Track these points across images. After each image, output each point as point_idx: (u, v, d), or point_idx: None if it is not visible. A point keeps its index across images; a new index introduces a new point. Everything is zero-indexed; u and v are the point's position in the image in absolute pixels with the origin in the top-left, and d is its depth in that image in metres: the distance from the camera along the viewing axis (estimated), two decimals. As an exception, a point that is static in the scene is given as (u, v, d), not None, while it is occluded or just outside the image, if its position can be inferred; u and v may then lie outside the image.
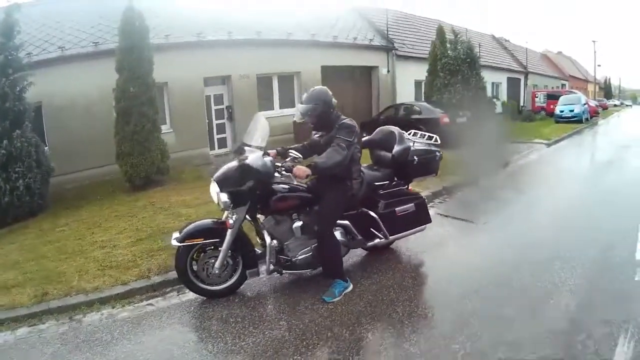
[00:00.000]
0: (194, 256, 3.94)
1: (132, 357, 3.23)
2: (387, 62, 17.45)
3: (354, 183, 4.17)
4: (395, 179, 4.68)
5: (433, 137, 5.14)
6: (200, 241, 3.85)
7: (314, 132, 4.34)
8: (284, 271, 4.11)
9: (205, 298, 4.05)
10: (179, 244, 3.78)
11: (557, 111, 22.80)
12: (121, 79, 8.40)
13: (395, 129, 4.92)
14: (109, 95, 8.94)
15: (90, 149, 9.39)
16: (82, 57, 9.40)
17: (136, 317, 3.87)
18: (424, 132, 5.24)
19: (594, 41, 49.60)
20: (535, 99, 27.99)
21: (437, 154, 4.96)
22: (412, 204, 4.60)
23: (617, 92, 62.34)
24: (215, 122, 12.49)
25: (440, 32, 16.62)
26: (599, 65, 51.21)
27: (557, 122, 21.90)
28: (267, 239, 3.91)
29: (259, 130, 4.04)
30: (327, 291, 3.97)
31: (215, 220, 4.05)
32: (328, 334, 3.42)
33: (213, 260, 3.93)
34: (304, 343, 3.29)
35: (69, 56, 9.43)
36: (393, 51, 17.58)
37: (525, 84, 29.70)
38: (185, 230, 3.88)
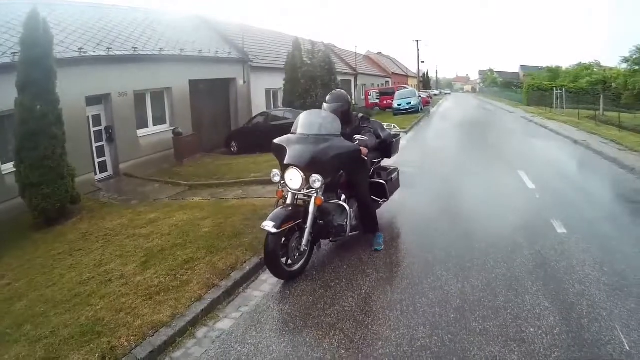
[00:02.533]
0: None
1: (304, 345, 3.41)
2: (243, 73, 18.45)
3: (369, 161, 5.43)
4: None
5: (392, 125, 6.78)
6: (292, 224, 4.32)
7: None
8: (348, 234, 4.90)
9: (283, 281, 4.49)
10: (277, 230, 4.14)
11: (395, 105, 26.91)
12: (27, 97, 7.25)
13: (377, 122, 6.31)
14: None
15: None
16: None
17: (247, 320, 3.88)
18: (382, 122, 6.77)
19: (417, 40, 58.59)
20: (369, 96, 32.36)
21: (400, 136, 6.59)
22: (396, 173, 6.26)
23: (436, 82, 75.01)
24: (94, 144, 11.35)
25: (297, 43, 18.36)
26: (422, 62, 61.18)
27: (396, 114, 25.73)
28: (347, 207, 4.73)
29: (326, 120, 4.77)
30: (375, 243, 5.19)
31: (285, 206, 4.51)
32: (405, 263, 4.83)
33: (295, 243, 4.47)
34: (400, 271, 4.59)
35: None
36: (248, 63, 18.69)
37: (356, 85, 34.14)
38: (274, 217, 4.23)
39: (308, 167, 4.43)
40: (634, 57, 22.93)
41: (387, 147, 6.04)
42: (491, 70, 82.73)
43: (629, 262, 4.46)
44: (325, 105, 5.19)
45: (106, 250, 5.99)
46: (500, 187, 8.04)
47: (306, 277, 4.59)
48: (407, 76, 63.11)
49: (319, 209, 4.81)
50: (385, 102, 31.01)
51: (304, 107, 16.97)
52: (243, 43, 18.26)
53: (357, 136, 4.86)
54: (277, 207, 4.72)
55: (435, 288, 4.10)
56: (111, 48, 11.26)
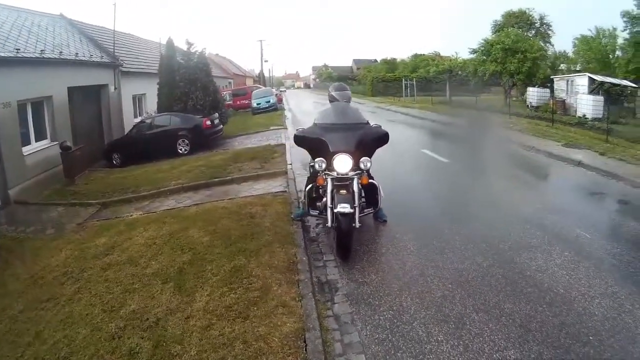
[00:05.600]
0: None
1: (428, 292, 4.04)
2: (114, 79, 16.71)
3: None
4: None
5: None
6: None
7: None
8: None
9: (342, 262, 4.87)
10: (353, 210, 4.55)
11: (254, 104, 26.15)
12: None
13: None
14: None
15: None
16: None
17: (357, 297, 4.03)
18: None
19: (260, 41, 57.78)
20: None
21: None
22: None
23: (270, 81, 74.28)
24: (-22, 169, 9.11)
25: (170, 44, 17.08)
26: (266, 61, 60.27)
27: (255, 113, 25.14)
28: (378, 185, 5.28)
29: (355, 111, 5.41)
30: (381, 215, 5.76)
31: (337, 191, 4.74)
32: (420, 220, 5.95)
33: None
34: (424, 226, 5.73)
35: None
36: (119, 68, 17.01)
37: (206, 87, 32.79)
38: (344, 200, 4.57)
39: (357, 151, 4.78)
40: (482, 48, 26.90)
41: None
42: (325, 66, 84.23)
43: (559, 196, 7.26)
44: (335, 93, 5.71)
45: (94, 291, 4.70)
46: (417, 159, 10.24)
47: (357, 254, 4.96)
48: (245, 76, 62.74)
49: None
50: (238, 102, 30.76)
51: (185, 111, 16.03)
52: (114, 46, 16.45)
53: (373, 124, 5.42)
54: (306, 195, 5.28)
55: (466, 224, 5.63)
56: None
